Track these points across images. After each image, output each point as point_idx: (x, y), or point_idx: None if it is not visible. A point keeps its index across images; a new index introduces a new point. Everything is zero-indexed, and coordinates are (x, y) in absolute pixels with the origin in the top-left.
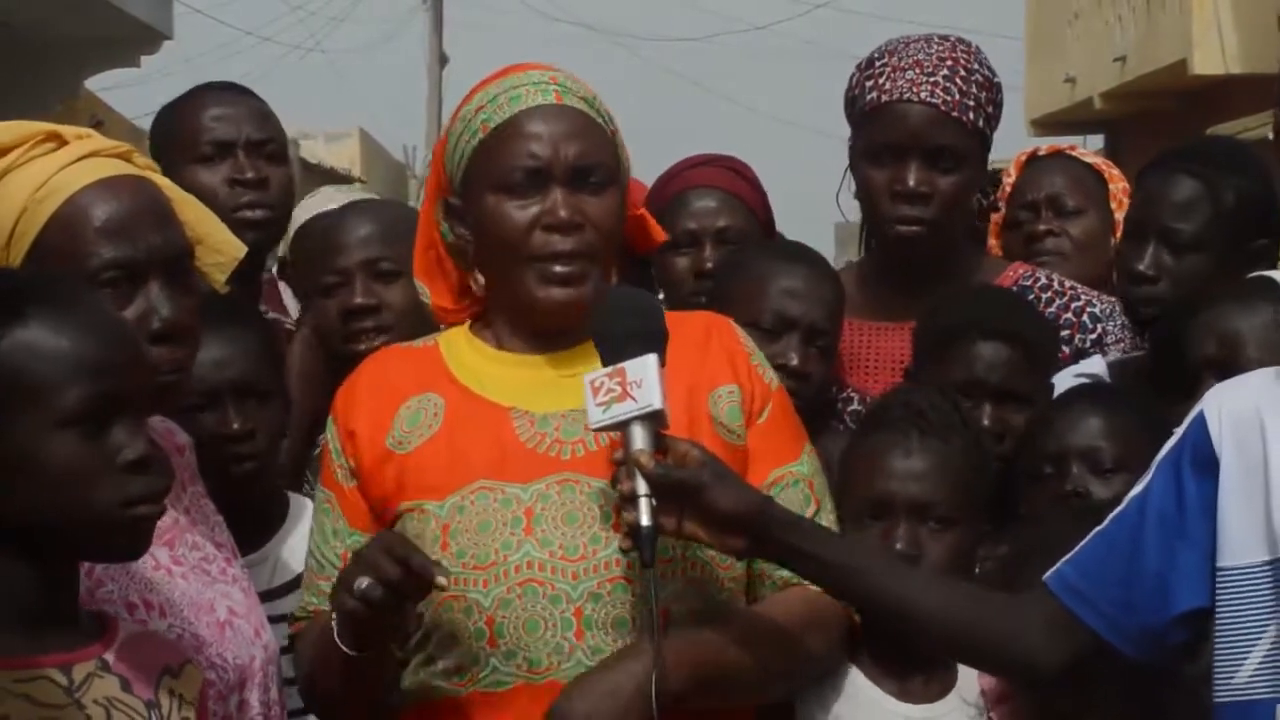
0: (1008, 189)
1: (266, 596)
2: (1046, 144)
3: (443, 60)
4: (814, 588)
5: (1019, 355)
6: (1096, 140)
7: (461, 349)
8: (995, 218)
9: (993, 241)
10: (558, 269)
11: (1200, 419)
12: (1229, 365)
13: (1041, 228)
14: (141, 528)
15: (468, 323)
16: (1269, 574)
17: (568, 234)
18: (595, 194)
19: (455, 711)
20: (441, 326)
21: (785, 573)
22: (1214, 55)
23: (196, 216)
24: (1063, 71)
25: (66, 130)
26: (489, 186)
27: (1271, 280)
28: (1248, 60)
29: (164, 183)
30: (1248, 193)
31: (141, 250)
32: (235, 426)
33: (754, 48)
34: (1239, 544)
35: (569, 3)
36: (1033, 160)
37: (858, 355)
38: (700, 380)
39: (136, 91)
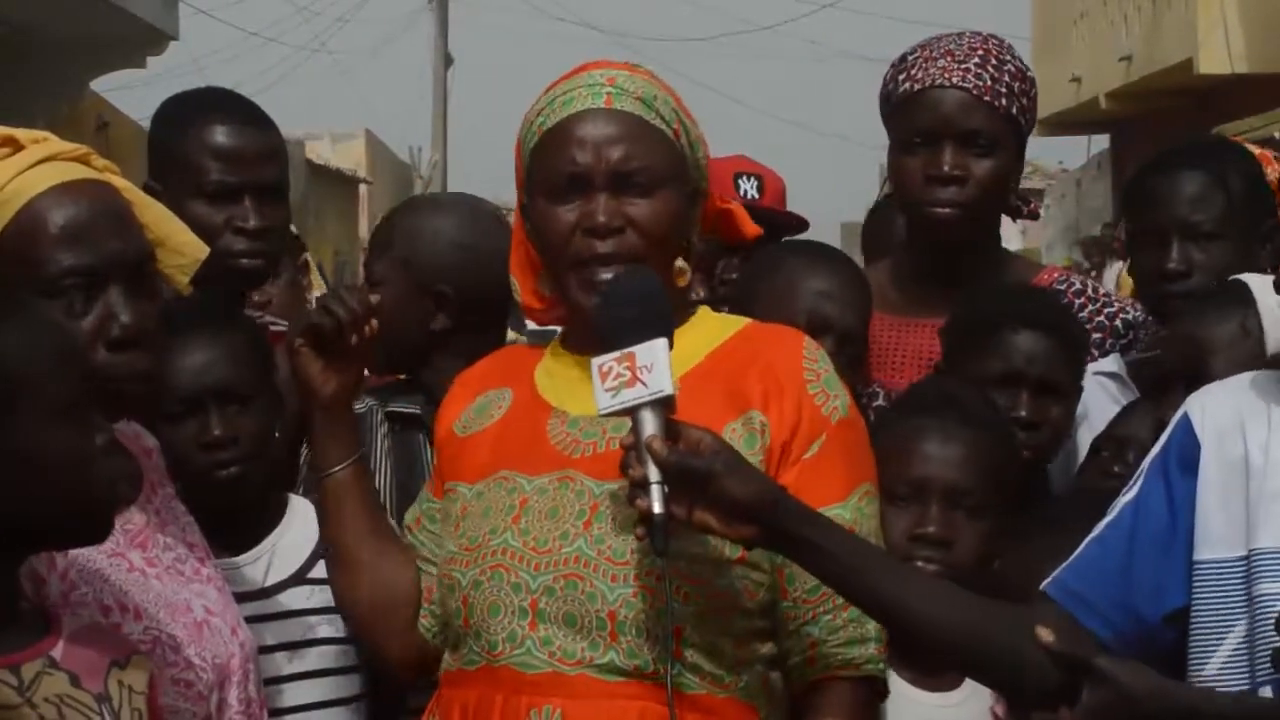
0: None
1: (264, 593)
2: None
3: (448, 61)
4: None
5: (1057, 347)
6: (1102, 140)
7: (551, 349)
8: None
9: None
10: (599, 273)
11: (1185, 420)
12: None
13: None
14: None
15: None
16: (1243, 568)
17: (606, 238)
18: (642, 196)
19: (447, 686)
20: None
21: (815, 631)
22: (1219, 55)
23: (156, 218)
24: (1069, 71)
25: (21, 134)
26: (540, 191)
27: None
28: (1253, 60)
29: (123, 185)
30: (1250, 176)
31: (100, 256)
32: (216, 433)
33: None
34: (1216, 538)
35: (574, 3)
36: None
37: (885, 350)
38: (718, 408)
39: (142, 93)
